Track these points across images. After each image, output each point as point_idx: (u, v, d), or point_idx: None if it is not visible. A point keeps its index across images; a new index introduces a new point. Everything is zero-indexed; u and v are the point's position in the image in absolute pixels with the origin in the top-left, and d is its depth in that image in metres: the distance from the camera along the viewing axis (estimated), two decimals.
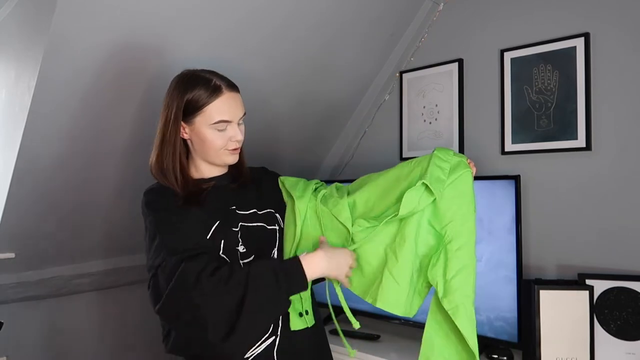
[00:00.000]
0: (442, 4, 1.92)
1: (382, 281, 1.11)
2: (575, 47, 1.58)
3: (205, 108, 1.10)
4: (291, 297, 1.08)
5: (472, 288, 1.08)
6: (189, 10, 1.34)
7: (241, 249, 1.12)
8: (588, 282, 1.44)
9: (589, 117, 1.55)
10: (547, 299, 1.43)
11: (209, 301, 0.98)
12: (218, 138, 1.12)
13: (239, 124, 1.15)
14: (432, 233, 1.13)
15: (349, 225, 1.17)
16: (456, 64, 1.87)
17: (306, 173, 2.26)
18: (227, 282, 1.00)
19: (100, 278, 1.96)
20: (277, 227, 1.21)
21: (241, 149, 1.22)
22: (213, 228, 1.10)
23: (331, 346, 1.29)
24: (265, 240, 1.18)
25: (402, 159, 2.03)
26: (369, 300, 1.14)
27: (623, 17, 1.51)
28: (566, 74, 1.59)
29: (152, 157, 1.15)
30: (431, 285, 1.11)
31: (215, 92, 1.10)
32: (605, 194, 1.53)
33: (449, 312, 1.06)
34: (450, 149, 1.19)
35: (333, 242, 1.19)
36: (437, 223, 1.13)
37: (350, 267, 1.14)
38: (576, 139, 1.57)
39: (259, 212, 1.19)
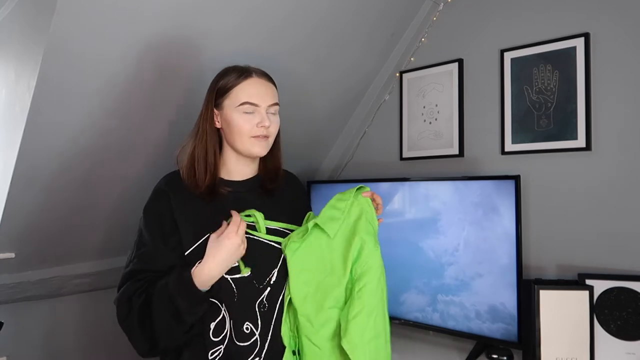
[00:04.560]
0: (442, 4, 1.92)
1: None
2: (575, 47, 1.58)
3: (233, 90, 1.11)
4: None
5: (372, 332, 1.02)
6: (184, 9, 1.34)
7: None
8: (588, 282, 1.44)
9: (589, 117, 1.55)
10: (547, 299, 1.43)
11: (126, 325, 1.10)
12: (245, 122, 1.09)
13: (270, 113, 1.13)
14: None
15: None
16: (456, 64, 1.87)
17: (306, 173, 2.26)
18: (141, 306, 1.06)
19: (100, 278, 1.96)
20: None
21: (278, 150, 1.20)
22: (201, 241, 1.07)
23: None
24: (266, 257, 1.12)
25: (402, 159, 2.04)
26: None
27: (623, 17, 1.51)
28: (566, 74, 1.59)
29: (188, 147, 1.14)
30: None
31: (244, 75, 1.12)
32: (605, 194, 1.53)
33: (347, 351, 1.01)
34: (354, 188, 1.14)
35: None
36: (354, 267, 1.07)
37: (243, 242, 1.06)
38: (576, 139, 1.57)
39: (272, 227, 1.14)
